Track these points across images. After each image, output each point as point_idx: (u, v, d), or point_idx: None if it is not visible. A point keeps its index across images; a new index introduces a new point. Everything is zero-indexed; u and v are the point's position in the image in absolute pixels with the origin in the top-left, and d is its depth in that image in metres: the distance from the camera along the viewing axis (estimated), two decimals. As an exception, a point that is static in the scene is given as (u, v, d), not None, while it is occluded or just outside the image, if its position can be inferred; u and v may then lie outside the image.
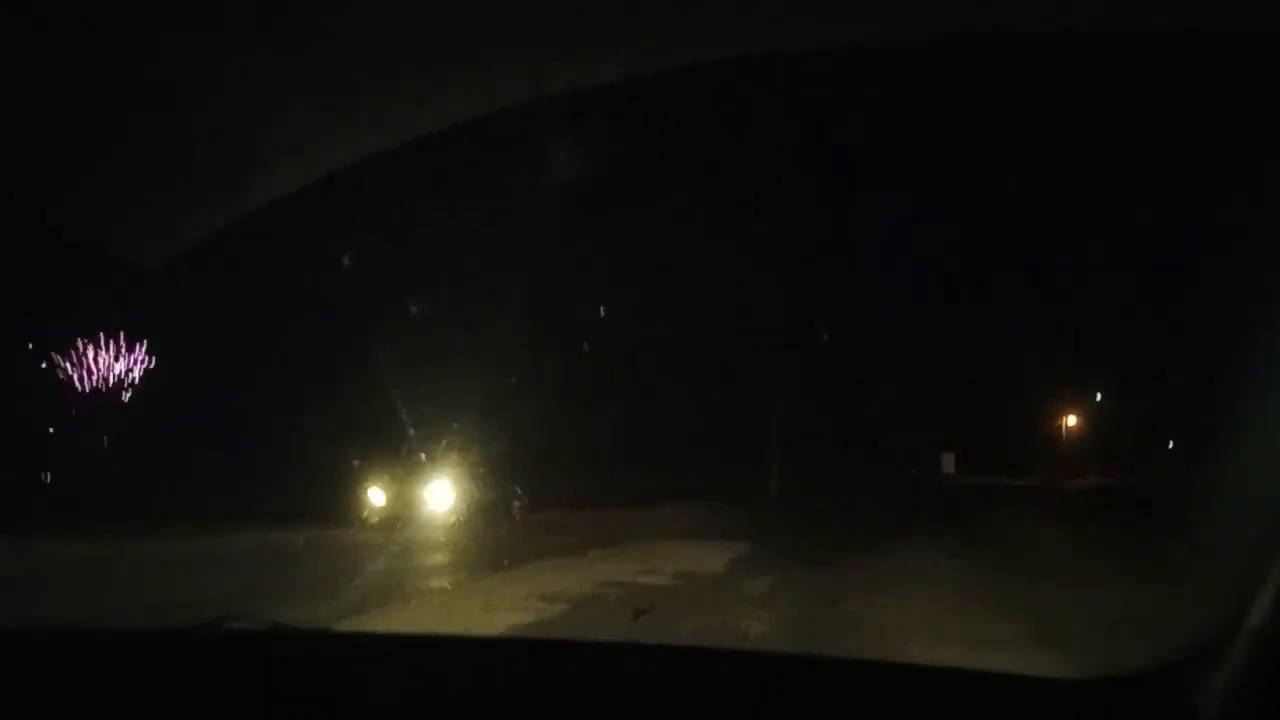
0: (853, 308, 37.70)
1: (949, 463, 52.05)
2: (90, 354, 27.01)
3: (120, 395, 27.55)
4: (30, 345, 26.34)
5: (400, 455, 15.21)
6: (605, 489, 24.65)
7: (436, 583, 9.14)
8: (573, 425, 24.20)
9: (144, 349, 27.53)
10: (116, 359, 27.44)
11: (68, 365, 26.95)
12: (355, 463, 15.55)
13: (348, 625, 5.86)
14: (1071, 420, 51.70)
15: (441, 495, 15.19)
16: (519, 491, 17.12)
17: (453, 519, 14.83)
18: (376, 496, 14.91)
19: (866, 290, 38.52)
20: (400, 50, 5.71)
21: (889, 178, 35.54)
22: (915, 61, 19.80)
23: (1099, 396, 51.55)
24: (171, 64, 5.26)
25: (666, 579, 8.91)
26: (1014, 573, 9.22)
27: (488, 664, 1.81)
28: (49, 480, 24.39)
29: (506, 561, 9.93)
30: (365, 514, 14.50)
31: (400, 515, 14.48)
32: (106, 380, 27.42)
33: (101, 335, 27.00)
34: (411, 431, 15.16)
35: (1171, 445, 50.60)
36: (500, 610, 6.97)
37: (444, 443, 15.33)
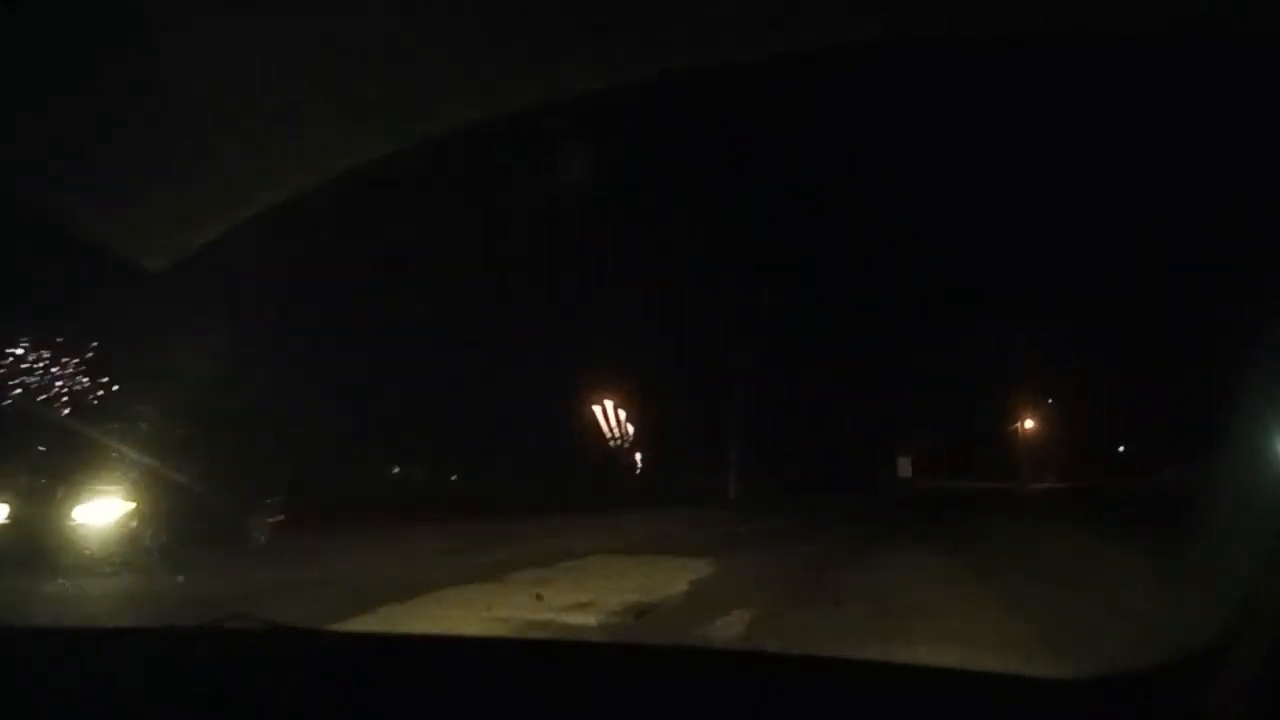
0: (810, 311, 37.09)
1: (906, 467, 50.81)
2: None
3: None
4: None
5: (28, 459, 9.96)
6: (550, 493, 22.84)
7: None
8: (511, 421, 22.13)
9: None
10: None
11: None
12: None
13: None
14: (1029, 423, 50.97)
15: (97, 514, 9.38)
16: (268, 503, 11.91)
17: (121, 545, 9.14)
18: None
19: (824, 293, 37.87)
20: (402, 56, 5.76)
21: (849, 184, 35.08)
22: (873, 66, 18.51)
23: (1050, 401, 51.56)
24: (181, 68, 5.35)
25: (605, 615, 6.67)
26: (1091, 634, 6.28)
27: (485, 664, 1.77)
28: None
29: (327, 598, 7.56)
30: None
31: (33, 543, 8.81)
32: None
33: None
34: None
35: (1122, 449, 52.61)
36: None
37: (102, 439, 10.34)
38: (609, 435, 32.75)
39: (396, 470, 34.83)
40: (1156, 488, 27.16)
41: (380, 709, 1.43)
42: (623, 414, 32.95)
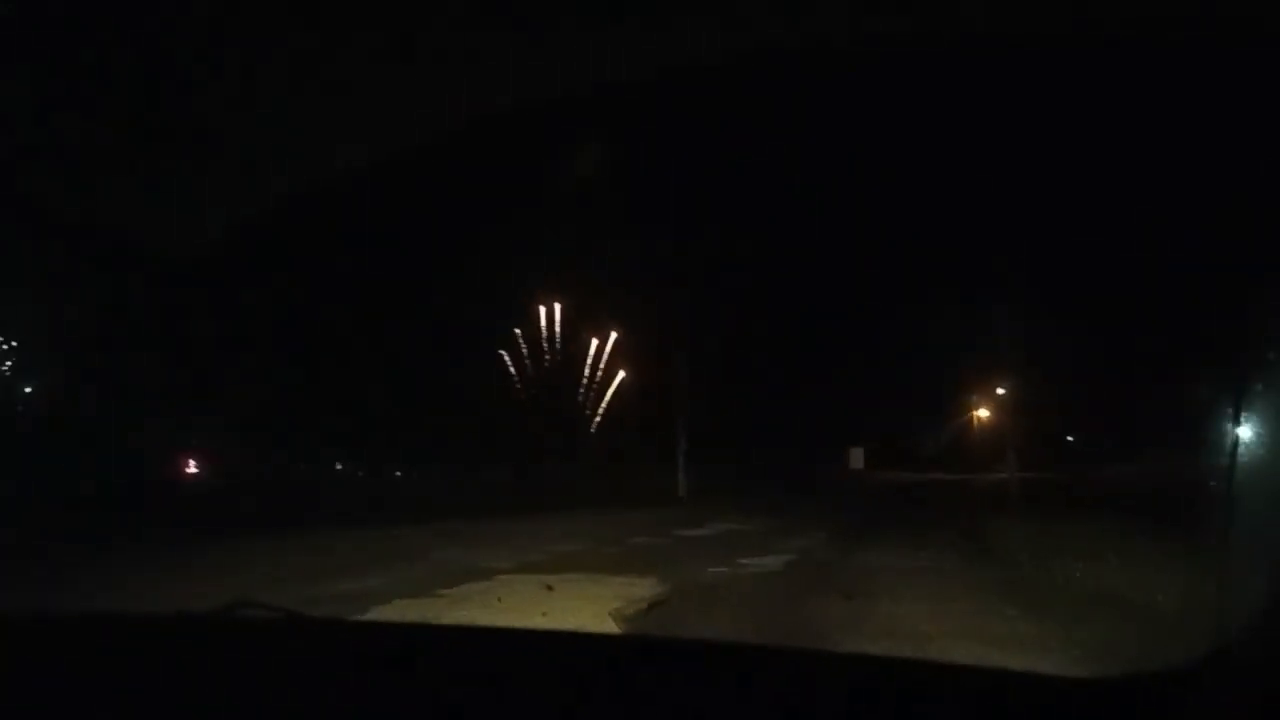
0: (760, 305, 35.78)
1: (858, 459, 49.06)
2: None
3: None
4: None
5: None
6: (492, 490, 20.54)
7: None
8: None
9: None
10: None
11: None
12: None
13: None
14: (983, 413, 49.72)
15: None
16: None
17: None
18: None
19: (774, 286, 36.37)
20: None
21: (801, 174, 33.91)
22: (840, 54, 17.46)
23: (1000, 391, 51.11)
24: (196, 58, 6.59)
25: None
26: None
27: (499, 655, 1.75)
28: None
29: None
30: None
31: None
32: None
33: None
34: None
35: (1071, 440, 51.83)
36: None
37: None
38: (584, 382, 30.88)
39: (339, 467, 34.53)
40: (1120, 481, 25.73)
41: (392, 700, 1.38)
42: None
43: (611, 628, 5.84)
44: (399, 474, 34.22)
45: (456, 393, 32.51)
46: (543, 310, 36.25)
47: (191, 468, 29.15)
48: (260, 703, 1.38)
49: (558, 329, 37.06)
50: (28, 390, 23.69)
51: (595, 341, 38.15)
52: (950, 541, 11.78)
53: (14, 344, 23.01)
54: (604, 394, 36.92)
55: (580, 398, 35.44)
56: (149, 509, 16.86)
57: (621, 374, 37.99)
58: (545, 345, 37.41)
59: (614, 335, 37.67)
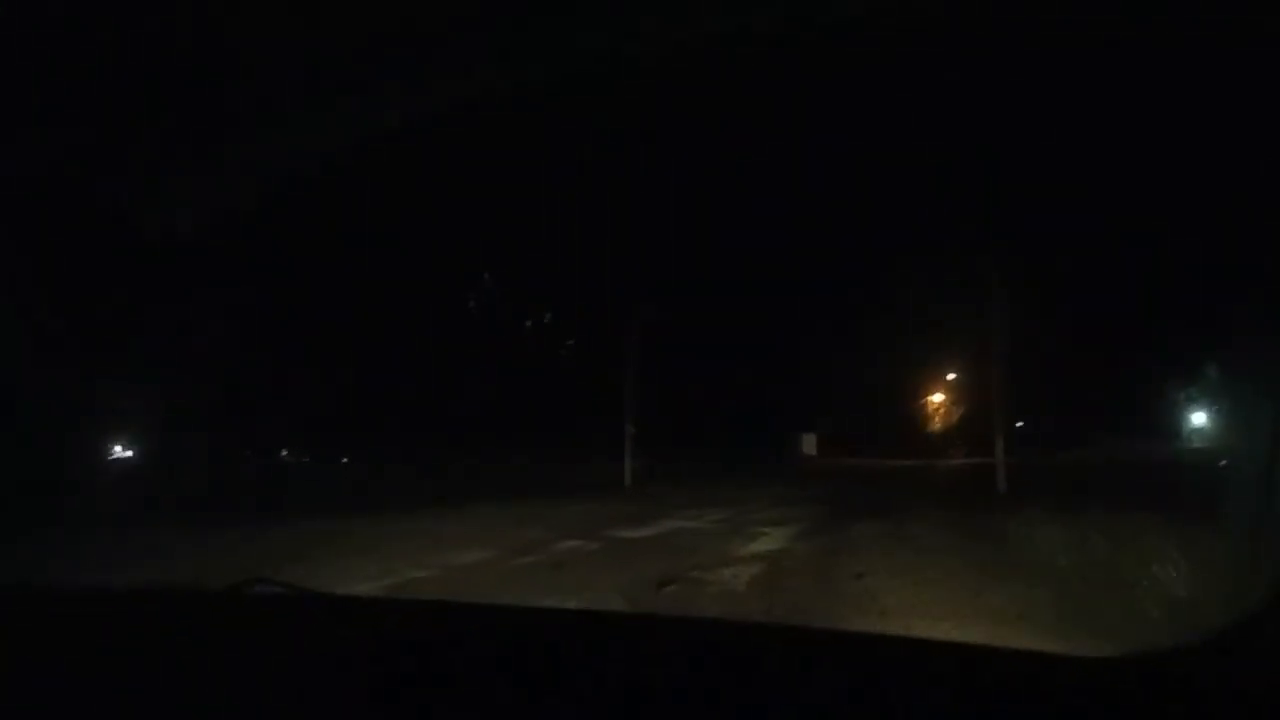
0: (703, 285, 33.74)
1: (810, 444, 47.27)
2: None
3: None
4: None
5: None
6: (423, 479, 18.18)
7: None
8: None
9: None
10: None
11: None
12: None
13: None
14: (938, 397, 48.46)
15: None
16: None
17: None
18: None
19: (720, 265, 34.29)
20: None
21: (747, 155, 32.22)
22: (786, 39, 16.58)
23: (951, 376, 50.71)
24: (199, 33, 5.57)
25: None
26: None
27: (513, 630, 1.73)
28: None
29: None
30: None
31: None
32: None
33: None
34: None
35: (1020, 425, 52.53)
36: None
37: None
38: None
39: (285, 454, 34.16)
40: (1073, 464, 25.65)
41: (406, 676, 1.36)
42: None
43: None
44: (344, 460, 33.23)
45: (406, 376, 30.49)
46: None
47: (120, 453, 27.63)
48: (267, 680, 1.34)
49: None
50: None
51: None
52: (960, 545, 9.49)
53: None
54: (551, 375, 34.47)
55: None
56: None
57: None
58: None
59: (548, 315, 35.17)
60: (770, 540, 10.07)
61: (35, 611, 1.70)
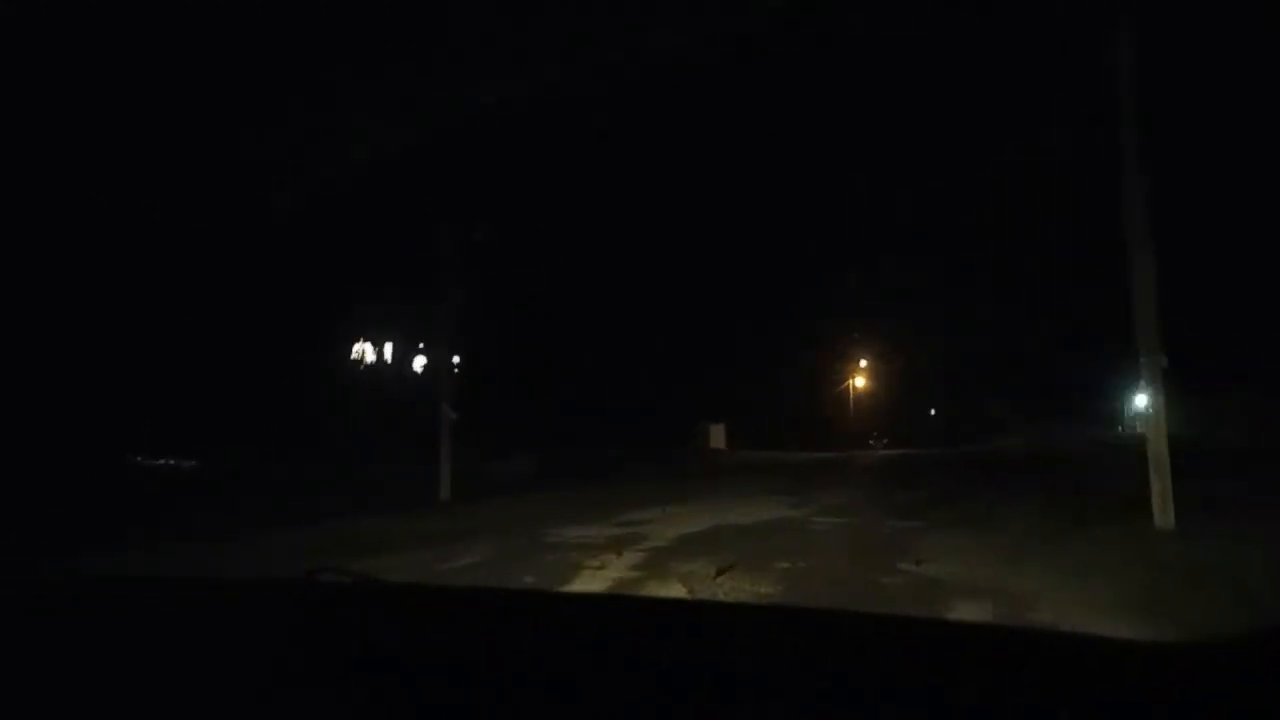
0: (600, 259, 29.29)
1: (719, 437, 42.88)
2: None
3: None
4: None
5: None
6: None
7: None
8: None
9: None
10: None
11: None
12: None
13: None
14: (859, 383, 45.02)
15: None
16: None
17: None
18: None
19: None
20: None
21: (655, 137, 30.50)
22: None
23: (863, 363, 48.55)
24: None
25: None
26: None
27: (570, 620, 1.68)
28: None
29: None
30: None
31: None
32: None
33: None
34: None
35: (934, 413, 50.62)
36: None
37: None
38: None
39: (164, 462, 28.54)
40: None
41: (471, 665, 1.33)
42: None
43: None
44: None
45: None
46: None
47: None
48: (335, 668, 1.35)
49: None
50: None
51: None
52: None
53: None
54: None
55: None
56: None
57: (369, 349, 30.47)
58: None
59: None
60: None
61: (103, 602, 1.71)
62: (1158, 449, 8.09)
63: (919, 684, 1.18)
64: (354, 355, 31.14)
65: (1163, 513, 7.96)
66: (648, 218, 32.83)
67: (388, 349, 31.89)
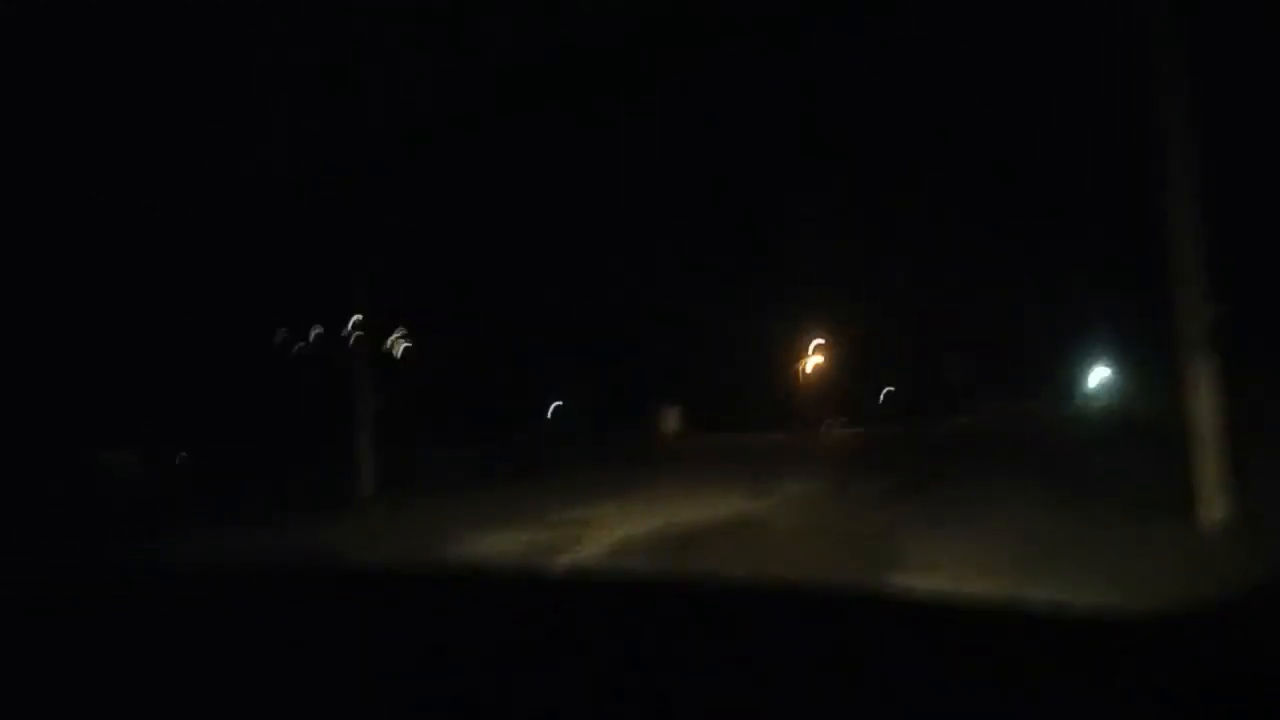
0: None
1: (672, 419, 41.62)
2: None
3: None
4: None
5: None
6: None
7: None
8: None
9: None
10: None
11: None
12: None
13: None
14: (815, 361, 44.11)
15: None
16: None
17: None
18: None
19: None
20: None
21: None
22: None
23: (817, 342, 47.68)
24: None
25: None
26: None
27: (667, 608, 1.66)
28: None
29: None
30: None
31: None
32: None
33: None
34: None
35: (889, 390, 51.56)
36: None
37: None
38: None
39: (104, 457, 27.98)
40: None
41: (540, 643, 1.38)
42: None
43: None
44: (182, 454, 28.20)
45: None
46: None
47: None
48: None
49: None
50: None
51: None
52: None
53: None
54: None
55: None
56: None
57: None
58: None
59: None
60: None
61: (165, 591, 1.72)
62: (1209, 421, 6.65)
63: (878, 658, 1.18)
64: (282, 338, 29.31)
65: (1212, 504, 6.56)
66: (595, 190, 31.40)
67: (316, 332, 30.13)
